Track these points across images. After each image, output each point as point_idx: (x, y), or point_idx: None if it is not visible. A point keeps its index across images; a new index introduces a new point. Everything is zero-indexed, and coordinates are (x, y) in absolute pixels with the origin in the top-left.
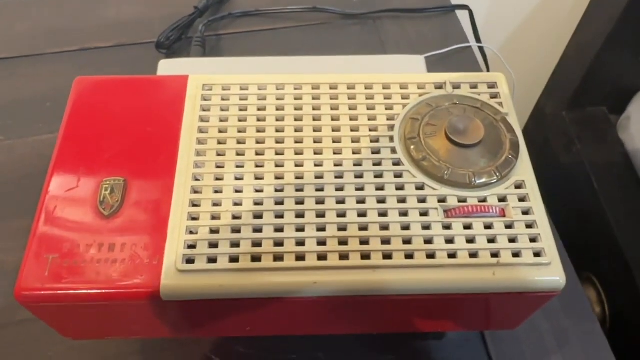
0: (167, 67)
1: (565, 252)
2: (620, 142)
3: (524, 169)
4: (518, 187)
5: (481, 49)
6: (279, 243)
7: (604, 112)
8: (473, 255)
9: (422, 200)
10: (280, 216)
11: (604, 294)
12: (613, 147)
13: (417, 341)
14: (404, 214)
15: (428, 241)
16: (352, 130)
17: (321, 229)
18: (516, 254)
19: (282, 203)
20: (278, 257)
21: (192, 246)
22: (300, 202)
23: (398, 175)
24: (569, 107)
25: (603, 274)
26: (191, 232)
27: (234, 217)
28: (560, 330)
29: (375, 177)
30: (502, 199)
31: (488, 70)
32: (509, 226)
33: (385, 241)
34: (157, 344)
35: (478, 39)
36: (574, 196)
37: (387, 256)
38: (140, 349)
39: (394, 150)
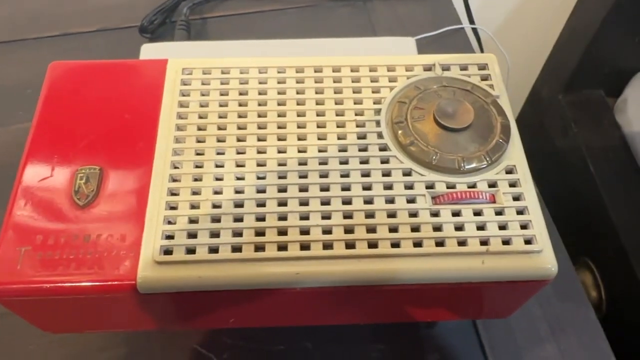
0: (150, 52)
1: (559, 236)
2: (617, 125)
3: (515, 154)
4: (509, 172)
5: (475, 31)
6: (260, 233)
7: (600, 95)
8: (462, 243)
9: (409, 186)
10: (262, 205)
11: (600, 278)
12: (610, 130)
13: (408, 330)
14: (390, 201)
15: (415, 229)
16: (337, 115)
17: (304, 217)
18: (506, 242)
19: (264, 191)
20: (259, 247)
21: (170, 236)
22: (282, 189)
23: (384, 161)
24: (565, 91)
25: (599, 258)
26: (169, 222)
27: (214, 206)
28: (553, 316)
29: (361, 163)
30: (492, 185)
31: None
32: (499, 212)
33: (371, 229)
34: (142, 335)
35: (472, 21)
36: (570, 180)
37: (373, 245)
38: (125, 341)
39: (380, 135)
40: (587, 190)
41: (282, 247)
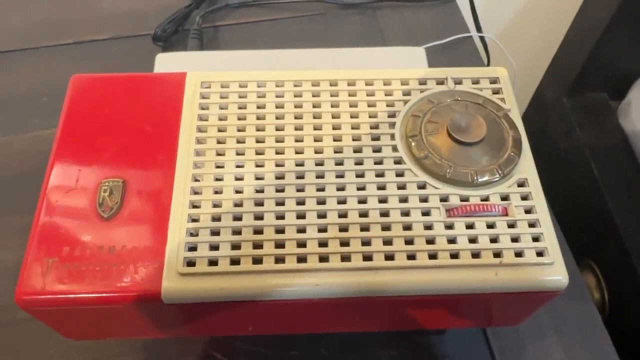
0: (165, 61)
1: (565, 242)
2: (621, 128)
3: (527, 167)
4: (520, 185)
5: (482, 38)
6: (280, 245)
7: (604, 98)
8: (475, 255)
9: (424, 199)
10: (281, 217)
11: (603, 280)
12: (613, 133)
13: (418, 336)
14: (405, 213)
15: (430, 241)
16: (352, 128)
17: (322, 229)
18: (519, 254)
19: (282, 204)
20: (279, 259)
21: (192, 248)
22: (301, 202)
23: (399, 174)
24: (569, 93)
25: (603, 260)
26: (192, 234)
27: (235, 219)
28: (560, 321)
29: (377, 176)
30: (505, 198)
31: (489, 60)
32: (511, 225)
33: (387, 242)
34: (159, 341)
35: (479, 28)
36: (573, 182)
37: (389, 257)
38: (142, 347)
39: (395, 149)
40: (590, 192)
41: (302, 258)
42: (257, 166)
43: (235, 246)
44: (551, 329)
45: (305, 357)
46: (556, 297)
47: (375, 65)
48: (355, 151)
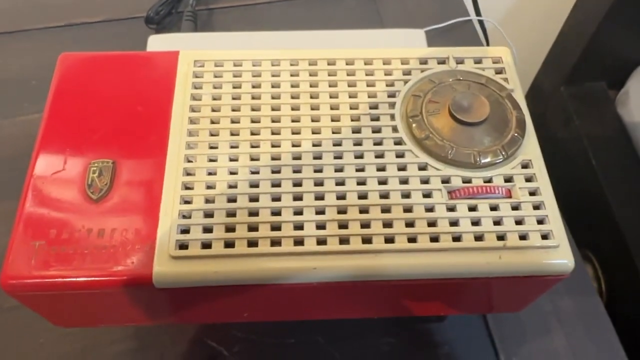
0: (157, 43)
1: (569, 230)
2: (619, 117)
3: (531, 148)
4: (525, 166)
5: (481, 22)
6: (276, 227)
7: (602, 87)
8: (478, 238)
9: (425, 181)
10: (277, 199)
11: (600, 270)
12: (611, 122)
13: (418, 323)
14: (406, 195)
15: (431, 224)
16: (351, 108)
17: (320, 212)
18: (523, 237)
19: (279, 185)
20: (275, 242)
21: (185, 231)
22: (297, 184)
23: (400, 155)
24: (568, 82)
25: (600, 250)
26: (184, 216)
27: (229, 200)
28: (562, 309)
29: (376, 157)
30: (508, 179)
31: (488, 45)
32: (515, 207)
33: (387, 224)
34: (152, 329)
35: (478, 12)
36: (571, 172)
37: (389, 240)
38: (135, 334)
39: (395, 129)
40: (588, 182)
41: (299, 241)
42: (252, 147)
43: (230, 229)
44: (553, 317)
45: (302, 345)
46: (558, 285)
47: (374, 47)
48: (354, 132)
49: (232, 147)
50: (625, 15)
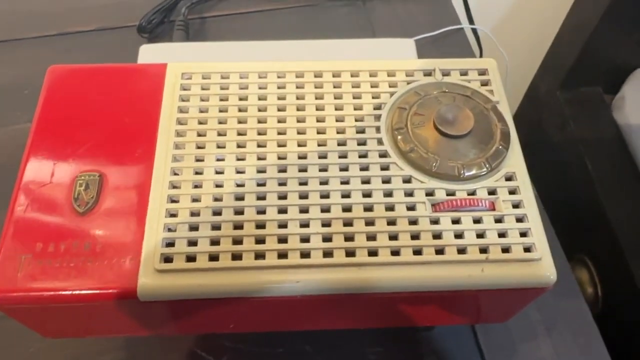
0: (149, 53)
1: (557, 237)
2: (615, 122)
3: (515, 160)
4: (508, 179)
5: (474, 30)
6: (260, 240)
7: (598, 92)
8: (461, 251)
9: (409, 194)
10: (262, 212)
11: (596, 275)
12: (607, 127)
13: (406, 333)
14: (390, 208)
15: (415, 237)
16: (337, 121)
17: (304, 224)
18: (506, 250)
19: (264, 198)
20: (260, 255)
21: (170, 244)
22: (283, 196)
23: (384, 168)
24: (563, 87)
25: (595, 255)
26: (169, 230)
27: (214, 213)
28: (550, 318)
29: (361, 169)
30: (492, 192)
31: (481, 53)
32: (498, 220)
33: (371, 237)
34: (141, 339)
35: (471, 20)
36: (567, 177)
37: (373, 253)
38: (125, 345)
39: (380, 142)
40: (583, 187)
41: (283, 254)
42: (238, 160)
43: (215, 242)
44: (541, 326)
45: (290, 354)
46: (546, 293)
47: (364, 57)
48: (339, 144)
49: (218, 159)
50: (620, 21)
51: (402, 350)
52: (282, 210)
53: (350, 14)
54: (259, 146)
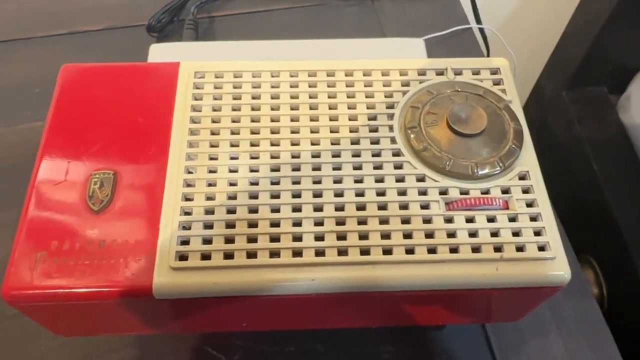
0: (158, 52)
1: (567, 238)
2: (620, 122)
3: (528, 159)
4: (522, 178)
5: (481, 30)
6: (275, 238)
7: (604, 92)
8: (475, 249)
9: (422, 192)
10: (276, 210)
11: (602, 275)
12: (613, 127)
13: (417, 332)
14: (404, 206)
15: (429, 235)
16: (350, 120)
17: (319, 223)
18: (520, 248)
19: (278, 197)
20: (274, 253)
21: (185, 242)
22: (297, 195)
23: (398, 167)
24: (569, 87)
25: (601, 255)
26: (184, 228)
27: (229, 211)
28: (561, 317)
29: (375, 168)
30: (506, 191)
31: (488, 52)
32: (512, 219)
33: (385, 235)
34: (152, 337)
35: (478, 20)
36: (572, 177)
37: (387, 251)
38: (136, 342)
39: (393, 140)
40: (589, 186)
41: (297, 253)
42: (252, 158)
43: (229, 240)
44: (552, 324)
45: (302, 353)
46: (561, 297)
47: (374, 57)
48: (352, 143)
49: (231, 158)
50: (626, 20)
51: (413, 349)
52: (297, 209)
53: (359, 13)
54: (272, 145)
